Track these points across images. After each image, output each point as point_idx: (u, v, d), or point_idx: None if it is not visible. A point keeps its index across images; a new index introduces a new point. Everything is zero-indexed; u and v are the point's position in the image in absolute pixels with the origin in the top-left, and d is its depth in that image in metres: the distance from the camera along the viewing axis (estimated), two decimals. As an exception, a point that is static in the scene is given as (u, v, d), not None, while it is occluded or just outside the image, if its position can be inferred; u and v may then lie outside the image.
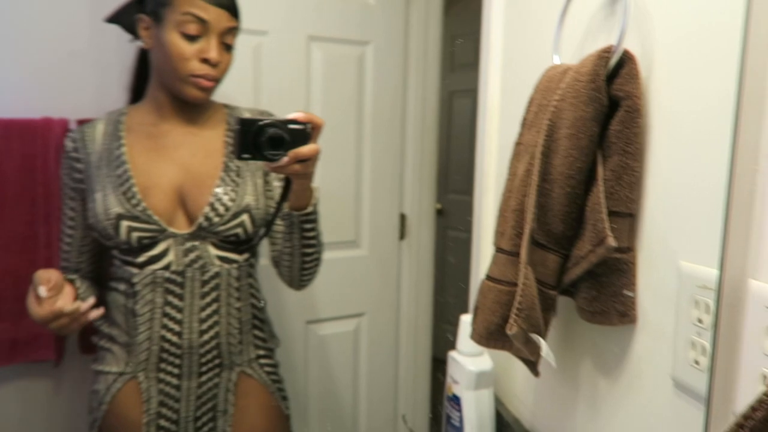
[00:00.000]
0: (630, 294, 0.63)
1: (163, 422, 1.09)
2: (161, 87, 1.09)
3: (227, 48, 1.06)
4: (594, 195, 0.63)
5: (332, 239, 1.52)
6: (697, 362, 0.55)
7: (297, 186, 0.97)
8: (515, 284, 0.68)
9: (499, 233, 0.74)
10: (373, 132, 1.61)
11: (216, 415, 1.12)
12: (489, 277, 0.74)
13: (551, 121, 0.65)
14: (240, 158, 0.86)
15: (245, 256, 1.12)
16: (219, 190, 1.07)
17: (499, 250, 0.74)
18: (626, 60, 0.61)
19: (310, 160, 0.90)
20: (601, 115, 0.62)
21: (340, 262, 1.57)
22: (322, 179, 1.41)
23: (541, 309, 0.67)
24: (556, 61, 0.74)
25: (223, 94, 1.22)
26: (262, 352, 1.17)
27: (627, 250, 0.64)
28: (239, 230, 1.07)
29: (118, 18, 1.14)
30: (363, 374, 1.68)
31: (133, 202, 1.04)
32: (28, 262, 1.51)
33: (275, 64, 1.41)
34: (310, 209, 1.02)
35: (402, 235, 1.72)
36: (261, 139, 0.85)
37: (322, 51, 1.48)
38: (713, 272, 0.52)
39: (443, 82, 1.81)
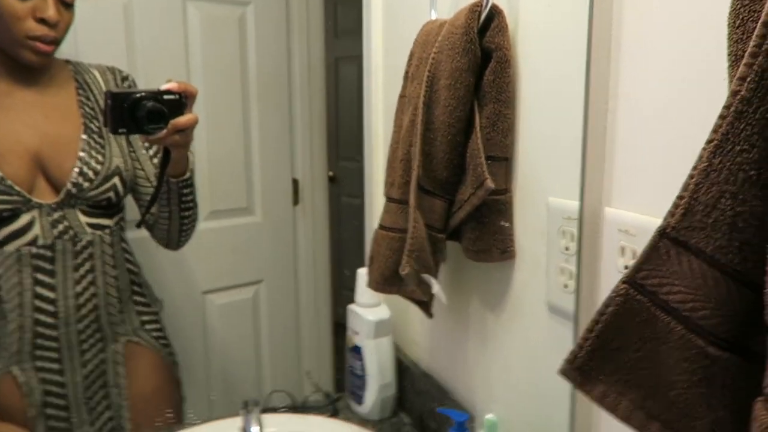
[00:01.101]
0: (506, 224, 0.69)
1: (51, 411, 1.02)
2: (2, 48, 0.98)
3: (66, 6, 0.97)
4: (473, 141, 0.68)
5: (224, 206, 1.49)
6: (566, 286, 0.61)
7: (176, 155, 0.95)
8: (406, 231, 0.71)
9: (388, 183, 0.78)
10: (260, 97, 1.58)
11: (108, 391, 1.07)
12: (381, 227, 0.77)
13: (431, 72, 0.68)
14: (116, 133, 0.84)
15: (116, 219, 1.07)
16: (84, 154, 1.00)
17: (389, 199, 0.77)
18: (495, 14, 0.65)
19: (188, 130, 0.88)
20: (476, 66, 0.66)
21: (233, 230, 1.54)
22: (209, 145, 1.37)
23: (431, 251, 0.71)
24: (433, 16, 0.78)
25: (94, 56, 1.14)
26: (146, 318, 1.13)
27: (504, 191, 0.69)
28: (111, 194, 1.02)
29: None
30: (265, 341, 1.68)
31: None
32: None
33: (148, 24, 1.33)
34: (187, 175, 1.00)
35: (296, 200, 1.72)
36: (139, 114, 0.83)
37: (198, 10, 1.43)
38: (576, 204, 0.58)
39: (328, 48, 1.80)
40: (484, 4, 0.65)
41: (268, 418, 0.87)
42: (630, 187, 0.54)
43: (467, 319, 0.82)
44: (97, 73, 1.08)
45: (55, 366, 1.01)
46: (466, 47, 0.65)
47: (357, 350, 0.98)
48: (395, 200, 0.75)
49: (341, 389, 1.08)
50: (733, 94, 0.32)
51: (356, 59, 1.30)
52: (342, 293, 1.86)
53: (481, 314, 0.78)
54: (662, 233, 0.35)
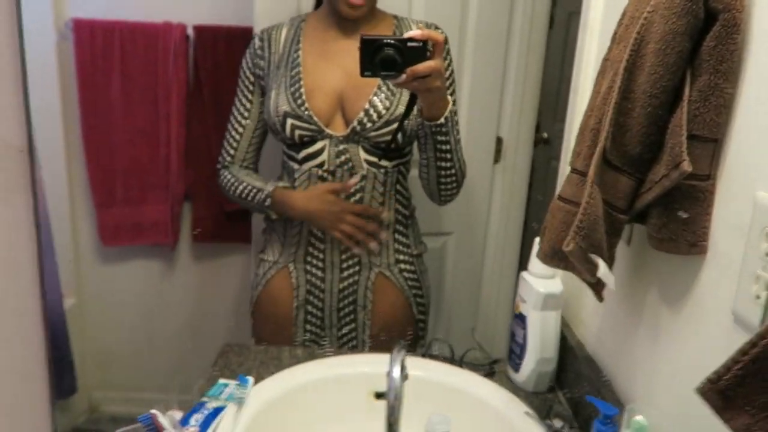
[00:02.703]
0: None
1: (310, 308, 1.23)
2: (328, 1, 1.15)
3: None
4: (676, 116, 0.60)
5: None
6: (758, 297, 0.52)
7: (424, 100, 1.00)
8: (583, 205, 0.67)
9: (575, 153, 0.73)
10: (475, 51, 1.56)
11: (356, 308, 1.23)
12: (560, 197, 0.73)
13: (639, 34, 0.61)
14: (363, 75, 0.90)
15: (394, 162, 1.17)
16: (375, 98, 1.12)
17: (573, 170, 0.72)
18: (729, -32, 0.55)
19: (430, 76, 0.91)
20: (695, 30, 0.57)
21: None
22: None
23: (606, 232, 0.66)
24: (658, -30, 0.68)
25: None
26: (402, 257, 1.23)
27: (706, 177, 0.60)
28: (389, 137, 1.12)
29: None
30: (446, 290, 1.73)
31: (299, 102, 1.12)
32: (150, 157, 1.68)
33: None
34: (441, 121, 1.03)
35: (497, 158, 1.70)
36: (378, 59, 0.88)
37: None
38: (791, 204, 0.49)
39: (561, 2, 1.69)
40: (717, -44, 0.55)
41: (415, 361, 0.91)
42: None
43: (641, 310, 0.74)
44: (415, 28, 1.19)
45: (319, 273, 1.21)
46: (687, 7, 0.57)
47: (521, 318, 0.96)
48: (578, 171, 0.70)
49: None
50: None
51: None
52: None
53: (657, 308, 0.71)
54: None
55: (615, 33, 0.70)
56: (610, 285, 0.66)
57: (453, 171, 1.13)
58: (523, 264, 1.82)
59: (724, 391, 0.34)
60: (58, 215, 1.65)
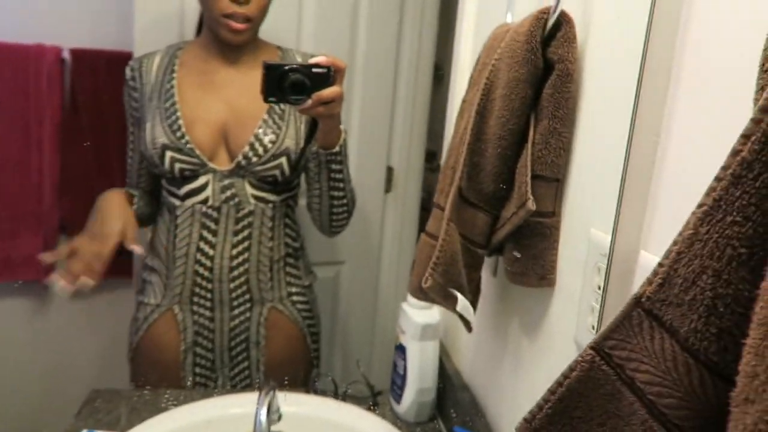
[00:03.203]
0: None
1: (199, 350, 1.16)
2: (208, 28, 1.11)
3: None
4: (523, 158, 0.63)
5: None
6: (593, 327, 0.56)
7: (324, 126, 0.99)
8: (445, 240, 0.69)
9: (439, 190, 0.75)
10: (364, 81, 1.59)
11: (249, 345, 1.17)
12: (426, 232, 0.76)
13: (489, 80, 0.65)
14: (267, 101, 0.90)
15: (282, 196, 1.14)
16: (260, 131, 1.09)
17: (436, 206, 0.75)
18: (563, 22, 0.60)
19: (334, 102, 0.92)
20: (535, 78, 0.62)
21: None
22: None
23: (466, 266, 0.68)
24: (509, 19, 0.73)
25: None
26: (293, 289, 1.20)
27: (551, 214, 0.64)
28: (276, 172, 1.09)
29: None
30: (339, 320, 1.72)
31: (178, 134, 1.07)
32: (21, 186, 1.56)
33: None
34: (336, 149, 1.03)
35: (388, 188, 1.72)
36: (285, 84, 0.88)
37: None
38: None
39: (442, 40, 1.77)
40: (552, 10, 0.60)
41: (296, 397, 0.90)
42: (672, 233, 0.47)
43: (505, 340, 0.78)
44: (299, 58, 1.17)
45: (207, 313, 1.14)
46: (527, 57, 0.61)
47: (402, 349, 0.97)
48: (440, 207, 0.72)
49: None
50: (734, 153, 0.27)
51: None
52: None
53: (517, 338, 0.74)
54: (637, 301, 0.31)
55: (471, 76, 0.73)
56: (470, 317, 0.68)
57: (345, 201, 1.13)
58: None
59: (538, 430, 0.35)
60: None
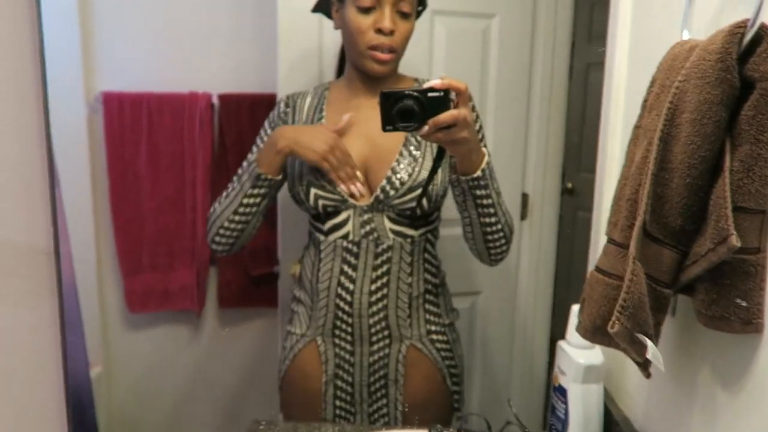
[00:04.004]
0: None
1: (339, 383, 1.17)
2: (351, 64, 1.15)
3: (403, 16, 1.07)
4: (719, 188, 0.57)
5: (448, 215, 1.52)
6: (829, 385, 0.48)
7: (454, 153, 0.96)
8: (623, 279, 0.63)
9: (611, 223, 0.70)
10: (496, 108, 1.56)
11: (387, 382, 1.17)
12: (598, 269, 0.70)
13: (672, 104, 0.59)
14: (384, 130, 0.86)
15: (421, 231, 1.14)
16: (396, 164, 1.10)
17: (610, 241, 0.69)
18: (763, 36, 0.53)
19: (455, 126, 0.87)
20: (731, 99, 0.55)
21: (454, 240, 1.56)
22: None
23: (651, 308, 0.62)
24: (685, 36, 0.67)
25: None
26: (433, 327, 1.18)
27: (755, 250, 0.57)
28: (413, 205, 1.09)
29: (320, 7, 1.22)
30: (477, 352, 1.68)
31: (323, 172, 1.11)
32: (177, 223, 1.69)
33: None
34: (477, 174, 0.98)
35: (523, 215, 1.67)
36: (394, 111, 0.85)
37: (444, 25, 1.46)
38: None
39: (578, 53, 1.70)
40: (749, 24, 0.54)
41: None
42: None
43: (693, 389, 0.70)
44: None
45: (348, 347, 1.16)
46: (721, 76, 0.55)
47: (561, 391, 0.91)
48: (616, 243, 0.67)
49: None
50: None
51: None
52: (565, 311, 1.75)
53: (711, 390, 0.66)
54: None
55: (645, 100, 0.68)
56: (659, 366, 0.62)
57: (499, 226, 1.07)
58: (555, 320, 1.76)
59: None
60: (86, 284, 1.66)
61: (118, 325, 1.75)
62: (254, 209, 1.13)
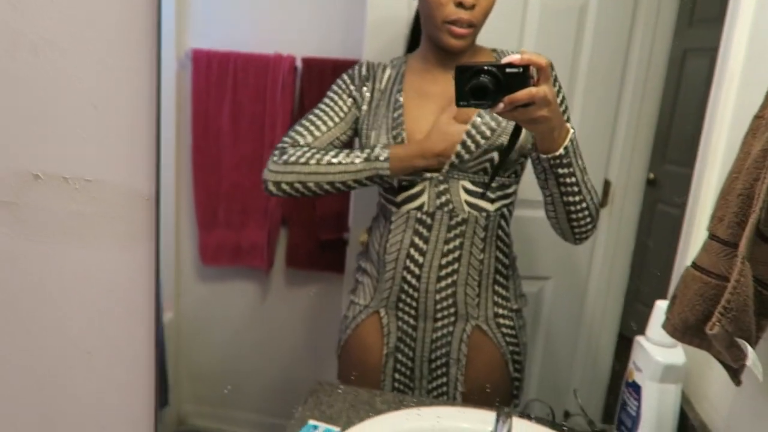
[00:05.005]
0: None
1: (400, 356, 1.18)
2: (427, 37, 1.14)
3: None
4: None
5: (526, 197, 1.47)
6: None
7: (532, 130, 0.93)
8: (725, 278, 0.59)
9: (716, 218, 0.65)
10: (585, 90, 1.49)
11: (449, 361, 1.17)
12: (695, 266, 0.66)
13: (807, 94, 0.54)
14: (458, 105, 0.84)
15: (497, 205, 1.12)
16: (472, 129, 1.07)
17: (713, 237, 0.65)
18: None
19: (533, 105, 0.84)
20: None
21: (528, 221, 1.52)
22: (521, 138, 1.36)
23: (755, 312, 0.58)
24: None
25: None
26: (501, 311, 1.17)
27: None
28: (487, 165, 1.07)
29: None
30: (539, 339, 1.64)
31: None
32: (253, 183, 1.73)
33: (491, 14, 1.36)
34: (559, 152, 0.96)
35: (604, 202, 1.60)
36: (467, 87, 0.82)
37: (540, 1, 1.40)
38: None
39: (676, 38, 1.59)
40: None
41: (515, 422, 0.85)
42: None
43: (790, 402, 0.65)
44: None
45: (411, 321, 1.16)
46: None
47: (635, 388, 0.87)
48: (720, 240, 0.63)
49: (608, 414, 0.99)
50: None
51: (709, 52, 1.11)
52: (635, 306, 1.68)
53: (812, 405, 0.61)
54: None
55: (772, 88, 0.62)
56: (758, 375, 0.58)
57: (584, 205, 1.05)
58: (625, 315, 1.70)
59: None
60: (164, 234, 1.73)
61: (191, 276, 1.81)
62: (348, 190, 1.13)
